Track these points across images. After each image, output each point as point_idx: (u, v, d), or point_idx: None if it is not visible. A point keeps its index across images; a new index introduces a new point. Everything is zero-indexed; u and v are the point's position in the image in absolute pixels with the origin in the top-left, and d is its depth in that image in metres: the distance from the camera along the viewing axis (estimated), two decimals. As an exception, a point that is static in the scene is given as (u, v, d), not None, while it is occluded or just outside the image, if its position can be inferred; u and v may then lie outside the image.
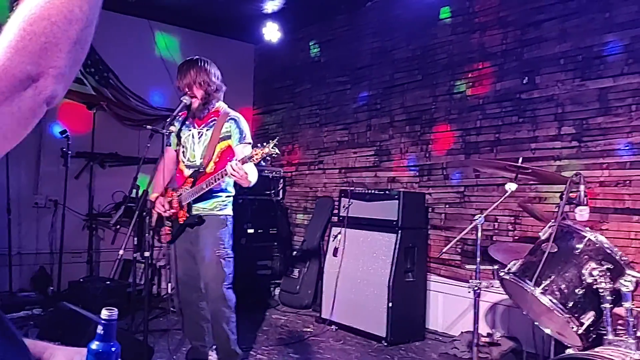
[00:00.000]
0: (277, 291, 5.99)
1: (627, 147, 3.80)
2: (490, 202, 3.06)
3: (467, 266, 4.41)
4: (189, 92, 3.22)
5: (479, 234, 2.89)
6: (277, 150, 2.85)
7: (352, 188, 5.27)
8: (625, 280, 2.04)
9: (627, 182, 3.79)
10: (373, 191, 4.94)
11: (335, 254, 5.01)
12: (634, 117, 3.76)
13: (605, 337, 2.10)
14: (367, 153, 5.81)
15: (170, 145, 3.42)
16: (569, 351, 2.18)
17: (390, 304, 4.42)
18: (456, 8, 4.97)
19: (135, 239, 3.17)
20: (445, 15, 5.06)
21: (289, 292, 5.78)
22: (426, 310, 4.85)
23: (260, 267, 5.98)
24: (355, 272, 4.77)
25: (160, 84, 6.29)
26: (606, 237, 3.79)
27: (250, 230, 5.89)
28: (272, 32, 6.38)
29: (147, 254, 3.09)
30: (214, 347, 3.48)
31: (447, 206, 4.97)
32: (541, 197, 4.20)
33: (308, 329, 4.91)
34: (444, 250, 3.04)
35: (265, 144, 2.88)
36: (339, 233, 5.02)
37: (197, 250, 3.24)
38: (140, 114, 6.16)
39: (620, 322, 2.15)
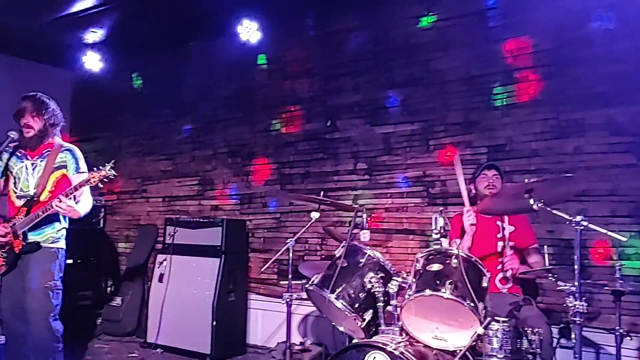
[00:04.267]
0: (99, 321, 5.95)
1: (404, 181, 4.77)
2: (302, 227, 3.68)
3: (281, 282, 5.01)
4: (27, 123, 3.33)
5: (291, 255, 3.51)
6: (114, 172, 3.12)
7: (178, 216, 5.57)
8: (392, 285, 2.77)
9: (405, 208, 4.75)
10: (197, 219, 5.32)
11: (161, 280, 5.24)
12: (408, 157, 4.75)
13: (380, 328, 2.81)
14: (190, 182, 6.16)
15: None
16: (354, 341, 2.85)
17: (214, 323, 4.82)
18: (271, 56, 5.67)
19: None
20: (262, 62, 5.72)
21: (111, 320, 5.81)
22: (247, 326, 5.34)
23: (80, 297, 5.89)
24: (181, 296, 5.07)
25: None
26: (390, 253, 4.73)
27: (69, 261, 5.76)
28: (93, 62, 6.40)
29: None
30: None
31: (265, 231, 5.55)
32: (342, 222, 5.00)
33: (133, 355, 5.05)
34: (262, 270, 3.58)
35: (101, 167, 3.13)
36: (165, 260, 5.27)
37: (26, 282, 3.30)
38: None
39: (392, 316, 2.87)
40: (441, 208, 2.88)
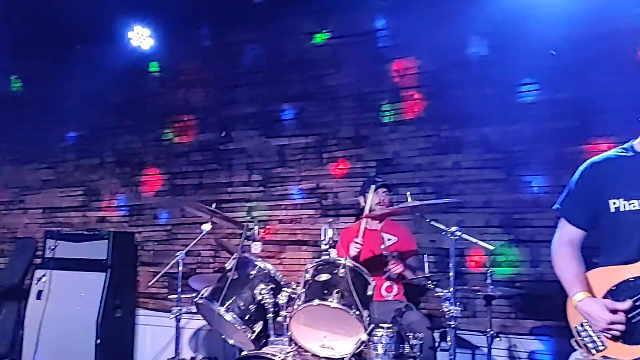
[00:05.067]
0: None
1: (298, 192, 4.86)
2: (194, 239, 3.63)
3: (170, 296, 4.87)
4: None
5: (180, 268, 3.44)
6: None
7: (59, 229, 5.25)
8: (282, 296, 2.81)
9: (299, 219, 4.83)
10: (81, 231, 5.04)
11: (39, 297, 4.90)
12: (303, 169, 4.84)
13: (269, 339, 2.84)
14: (75, 193, 5.82)
15: None
16: (244, 353, 2.86)
17: (98, 341, 4.58)
18: (164, 64, 5.53)
19: None
20: (154, 69, 5.56)
21: (-20, 343, 5.31)
22: (134, 343, 5.13)
23: (-57, 319, 5.34)
24: (62, 314, 4.76)
25: None
26: (284, 264, 4.78)
27: None
28: (-37, 61, 5.89)
29: None
30: None
31: (155, 243, 5.37)
32: (236, 233, 4.95)
33: (5, 380, 4.66)
34: (149, 285, 3.47)
35: None
36: (44, 275, 4.93)
37: None
38: None
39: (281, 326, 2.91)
40: (330, 219, 2.98)
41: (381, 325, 2.90)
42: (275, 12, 4.93)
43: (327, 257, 2.82)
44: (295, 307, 2.68)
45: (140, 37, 5.20)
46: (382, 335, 2.85)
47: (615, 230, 2.03)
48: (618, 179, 2.03)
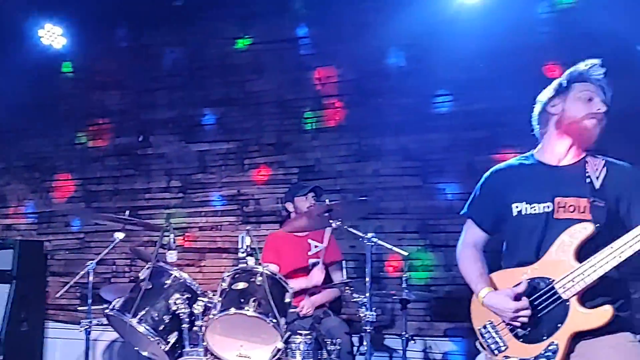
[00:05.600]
0: None
1: (219, 199, 4.78)
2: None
3: (80, 308, 4.63)
4: None
5: (91, 278, 3.29)
6: None
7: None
8: (198, 305, 2.75)
9: (219, 226, 4.76)
10: (-16, 240, 4.71)
11: None
12: (223, 175, 4.78)
13: (185, 350, 2.76)
14: (-23, 200, 5.44)
15: None
16: (155, 365, 2.77)
17: (1, 357, 4.29)
18: (78, 65, 5.28)
19: None
20: (67, 69, 5.29)
21: None
22: (43, 357, 4.84)
23: None
24: (-41, 330, 4.42)
25: None
26: (203, 272, 4.68)
27: None
28: None
29: None
30: None
31: (67, 252, 5.11)
32: (153, 241, 4.80)
33: None
34: (57, 296, 3.29)
35: None
36: (-62, 289, 4.55)
37: None
38: None
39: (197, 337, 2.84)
40: (248, 227, 2.95)
41: (299, 332, 2.90)
42: (197, 15, 4.84)
43: (244, 265, 2.78)
44: (211, 316, 2.63)
45: (52, 36, 4.94)
46: (300, 342, 2.85)
47: (516, 233, 2.13)
48: (520, 184, 2.14)
